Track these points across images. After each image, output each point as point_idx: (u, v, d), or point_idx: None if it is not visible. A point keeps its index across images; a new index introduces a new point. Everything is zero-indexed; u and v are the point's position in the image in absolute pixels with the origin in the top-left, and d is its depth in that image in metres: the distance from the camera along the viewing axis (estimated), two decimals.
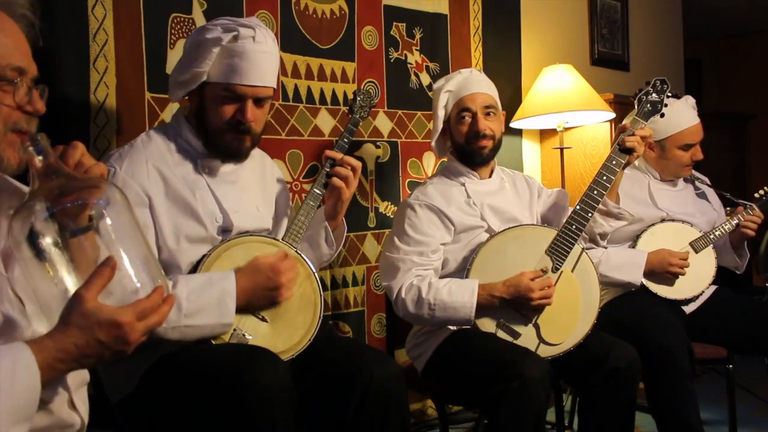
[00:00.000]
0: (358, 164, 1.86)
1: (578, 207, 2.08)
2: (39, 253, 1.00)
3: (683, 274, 2.44)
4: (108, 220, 1.03)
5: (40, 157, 1.02)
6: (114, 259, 0.99)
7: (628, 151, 2.10)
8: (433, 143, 2.25)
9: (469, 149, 2.15)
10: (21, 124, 1.08)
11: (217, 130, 1.69)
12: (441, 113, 2.19)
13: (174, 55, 2.17)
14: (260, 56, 1.66)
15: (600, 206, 2.10)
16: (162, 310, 1.02)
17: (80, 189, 1.02)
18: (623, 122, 2.22)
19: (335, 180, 1.82)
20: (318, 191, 1.84)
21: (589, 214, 2.07)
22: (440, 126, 2.20)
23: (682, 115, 2.52)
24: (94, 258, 1.02)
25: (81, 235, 1.01)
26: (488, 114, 2.15)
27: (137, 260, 1.04)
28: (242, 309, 1.62)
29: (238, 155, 1.75)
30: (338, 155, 1.85)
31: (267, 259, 1.65)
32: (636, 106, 2.18)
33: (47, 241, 0.99)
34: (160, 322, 1.02)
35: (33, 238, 0.99)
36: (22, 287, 1.08)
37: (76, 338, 0.97)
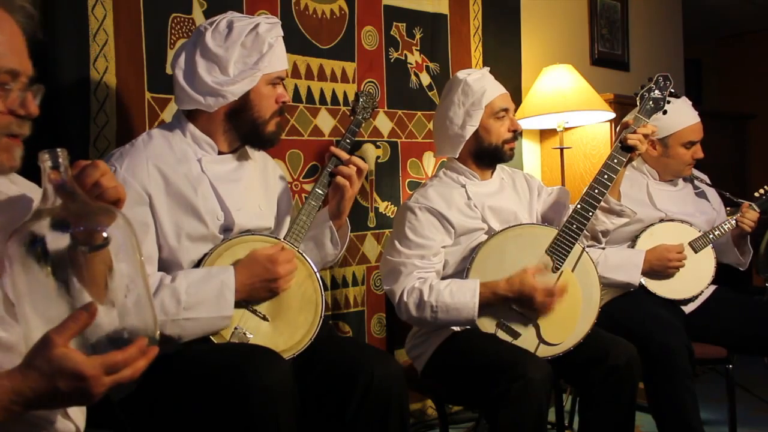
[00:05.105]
0: (365, 166, 1.86)
1: (579, 206, 2.08)
2: (31, 273, 0.96)
3: (682, 266, 2.44)
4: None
5: (55, 171, 1.01)
6: (95, 306, 0.93)
7: (630, 149, 2.09)
8: (448, 145, 2.17)
9: (503, 150, 2.15)
10: (12, 128, 1.07)
11: (266, 120, 1.74)
12: (478, 113, 2.10)
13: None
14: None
15: (602, 204, 2.10)
16: (137, 364, 0.95)
17: (87, 216, 1.00)
18: (624, 119, 2.21)
19: (339, 178, 1.82)
20: (320, 191, 1.84)
21: (590, 213, 2.07)
22: (476, 125, 2.11)
23: (684, 112, 2.52)
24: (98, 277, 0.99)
25: (93, 252, 0.98)
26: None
27: (128, 301, 1.00)
28: (242, 303, 1.63)
29: (279, 138, 1.79)
30: (344, 155, 1.84)
31: (264, 251, 1.66)
32: (638, 104, 2.17)
33: (40, 265, 0.96)
34: (132, 376, 0.95)
35: (31, 257, 0.96)
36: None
37: (35, 383, 0.91)
